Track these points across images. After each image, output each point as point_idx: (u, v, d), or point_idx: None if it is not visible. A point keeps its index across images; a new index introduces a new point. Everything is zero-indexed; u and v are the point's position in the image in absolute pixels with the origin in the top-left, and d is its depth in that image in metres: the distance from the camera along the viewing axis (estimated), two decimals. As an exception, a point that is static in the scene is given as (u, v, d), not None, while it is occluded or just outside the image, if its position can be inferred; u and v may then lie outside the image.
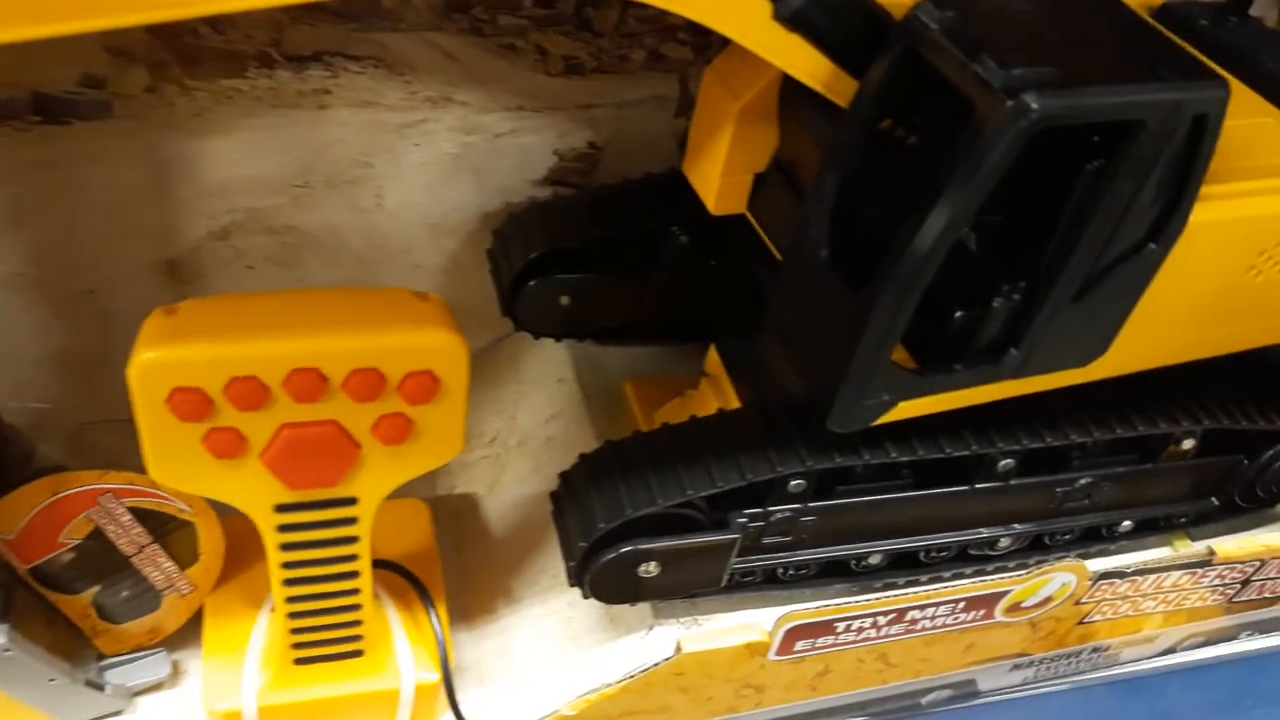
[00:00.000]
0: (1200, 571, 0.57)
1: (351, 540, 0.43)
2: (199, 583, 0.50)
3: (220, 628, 0.50)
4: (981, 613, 0.53)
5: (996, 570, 0.53)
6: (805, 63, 0.36)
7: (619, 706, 0.49)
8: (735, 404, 0.51)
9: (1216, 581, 0.58)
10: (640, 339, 0.60)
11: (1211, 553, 0.56)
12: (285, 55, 0.49)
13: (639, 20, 0.53)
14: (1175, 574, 0.57)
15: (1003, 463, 0.48)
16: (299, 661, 0.47)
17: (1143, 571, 0.55)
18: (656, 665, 0.48)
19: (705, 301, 0.54)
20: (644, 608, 0.50)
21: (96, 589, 0.48)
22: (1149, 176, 0.35)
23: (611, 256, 0.53)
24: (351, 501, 0.41)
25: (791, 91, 0.40)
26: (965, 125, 0.32)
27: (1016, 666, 0.61)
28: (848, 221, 0.38)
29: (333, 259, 0.57)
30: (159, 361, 0.35)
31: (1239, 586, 0.60)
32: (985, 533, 0.52)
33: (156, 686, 0.51)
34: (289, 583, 0.44)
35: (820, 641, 0.50)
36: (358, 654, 0.48)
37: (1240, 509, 0.58)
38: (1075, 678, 0.64)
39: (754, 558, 0.48)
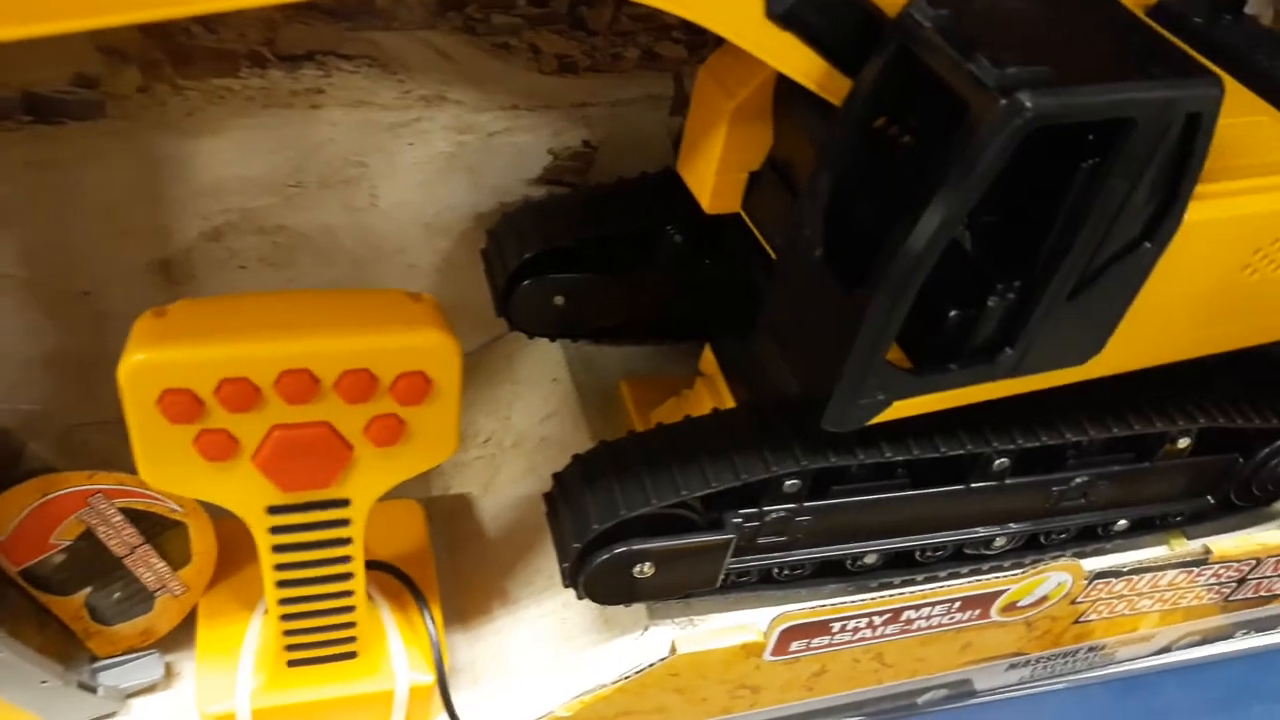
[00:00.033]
0: (1196, 570, 0.57)
1: (344, 542, 0.43)
2: (192, 584, 0.50)
3: (214, 629, 0.50)
4: (977, 612, 0.53)
5: (992, 570, 0.53)
6: (798, 61, 0.35)
7: (614, 707, 0.49)
8: (730, 404, 0.51)
9: (1212, 580, 0.58)
10: (635, 338, 0.60)
11: (1207, 551, 0.56)
12: (278, 54, 0.49)
13: (632, 18, 0.52)
14: (1171, 573, 0.56)
15: (998, 462, 0.48)
16: (293, 663, 0.47)
17: (1139, 570, 0.55)
18: (651, 666, 0.48)
19: (700, 301, 0.54)
20: (639, 608, 0.50)
21: (88, 590, 0.48)
22: (1143, 175, 0.35)
23: (606, 256, 0.53)
24: (344, 503, 0.41)
25: (786, 90, 0.40)
26: (959, 124, 0.32)
27: (1013, 666, 0.61)
28: (842, 221, 0.38)
29: (327, 259, 0.57)
30: (149, 363, 0.35)
31: (1235, 585, 0.60)
32: (981, 532, 0.52)
33: (149, 688, 0.50)
34: (282, 584, 0.44)
35: (815, 642, 0.50)
36: (352, 655, 0.48)
37: (1236, 507, 0.58)
38: (1071, 677, 0.64)
39: (749, 558, 0.48)
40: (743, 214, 0.46)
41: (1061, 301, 0.38)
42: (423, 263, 0.59)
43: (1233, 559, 0.57)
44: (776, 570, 0.50)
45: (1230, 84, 0.41)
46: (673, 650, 0.47)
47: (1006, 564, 0.53)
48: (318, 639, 0.47)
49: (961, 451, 0.46)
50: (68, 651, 0.48)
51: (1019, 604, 0.54)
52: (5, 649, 0.43)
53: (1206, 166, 0.36)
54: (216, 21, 0.47)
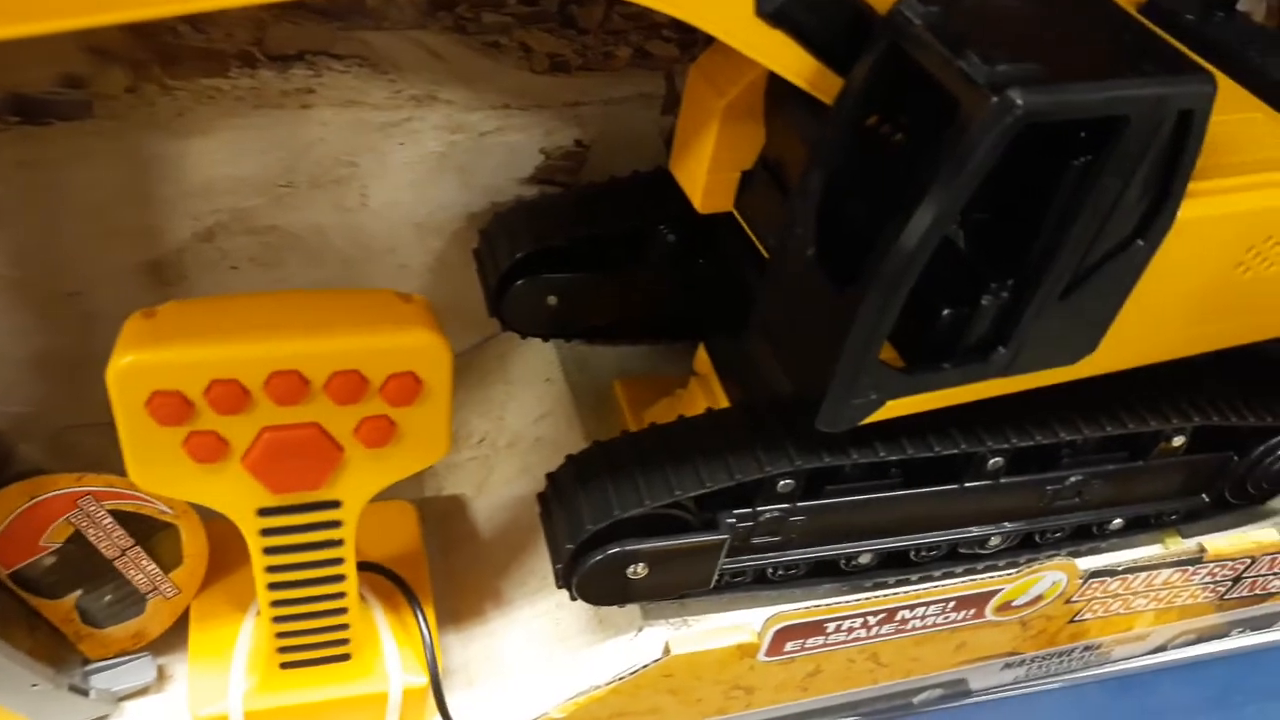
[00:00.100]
0: (1191, 569, 0.57)
1: (336, 544, 0.43)
2: (183, 586, 0.50)
3: (206, 631, 0.49)
4: (972, 612, 0.53)
5: (987, 569, 0.53)
6: (789, 60, 0.35)
7: (608, 708, 0.49)
8: (724, 403, 0.51)
9: (1207, 579, 0.58)
10: (629, 338, 0.60)
11: (1202, 550, 0.56)
12: (268, 54, 0.49)
13: (624, 17, 0.52)
14: (1166, 571, 0.56)
15: (992, 461, 0.48)
16: (285, 665, 0.47)
17: (1133, 569, 0.55)
18: (646, 667, 0.47)
19: (693, 300, 0.54)
20: (633, 609, 0.50)
21: (79, 593, 0.48)
22: (1136, 173, 0.35)
23: (599, 255, 0.52)
24: (335, 505, 0.41)
25: (777, 89, 0.40)
26: (951, 122, 0.32)
27: (1008, 665, 0.60)
28: (834, 219, 0.38)
29: (317, 259, 0.56)
30: (138, 365, 0.35)
31: (1230, 583, 0.59)
32: (975, 531, 0.51)
33: (142, 691, 0.50)
34: (274, 586, 0.44)
35: (810, 642, 0.50)
36: (344, 658, 0.48)
37: (1231, 506, 0.58)
38: (1067, 676, 0.64)
39: (743, 558, 0.48)
40: (735, 213, 0.45)
41: (1054, 300, 0.38)
42: (414, 263, 0.59)
43: (1227, 557, 0.57)
44: (771, 570, 0.50)
45: (1223, 81, 0.41)
46: (667, 651, 0.47)
47: (1001, 563, 0.53)
48: (310, 641, 0.46)
49: (955, 451, 0.46)
50: (59, 654, 0.48)
51: (1014, 603, 0.53)
52: (-5, 652, 0.43)
53: (1199, 164, 0.36)
54: (204, 21, 0.47)
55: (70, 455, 0.52)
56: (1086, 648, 0.62)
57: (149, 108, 0.48)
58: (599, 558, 0.44)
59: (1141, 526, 0.57)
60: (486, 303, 0.53)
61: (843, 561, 0.50)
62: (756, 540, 0.47)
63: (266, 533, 0.41)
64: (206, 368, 0.35)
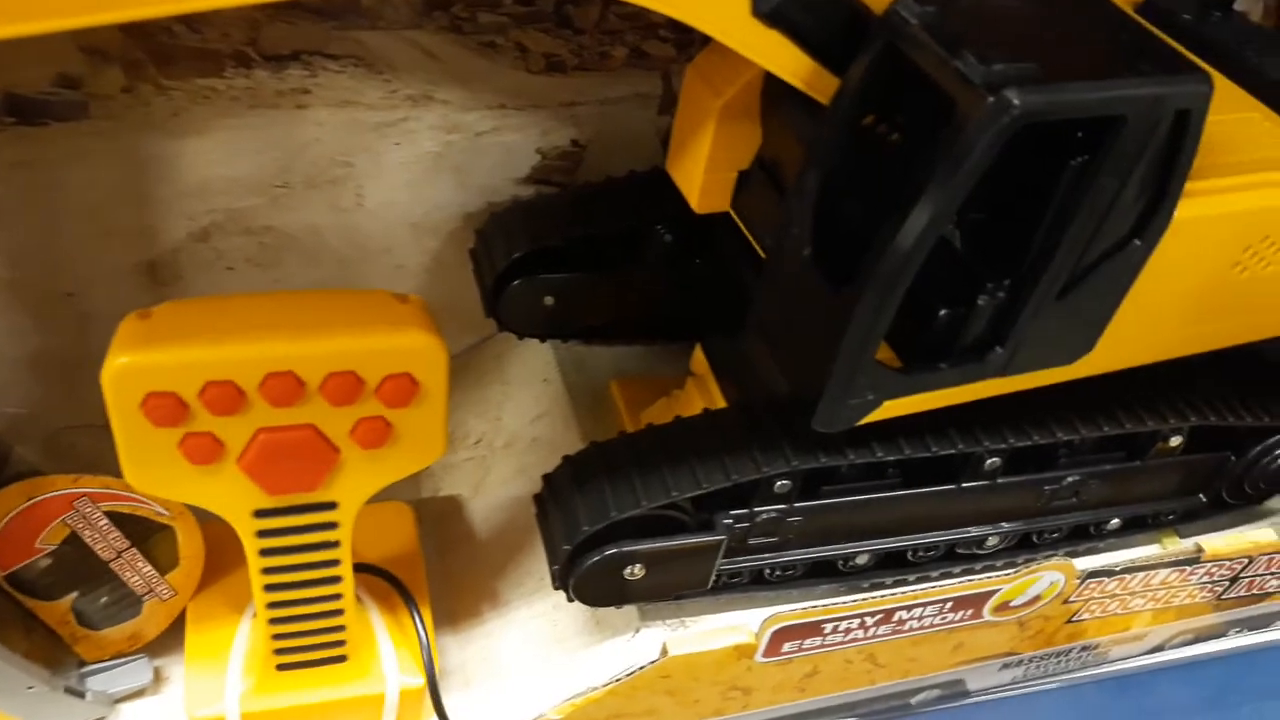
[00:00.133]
0: (1188, 569, 0.57)
1: (332, 545, 0.43)
2: (180, 588, 0.50)
3: (202, 633, 0.49)
4: (969, 612, 0.53)
5: (984, 569, 0.53)
6: (785, 60, 0.35)
7: (605, 710, 0.49)
8: (721, 404, 0.51)
9: (1205, 579, 0.58)
10: (625, 338, 0.60)
11: (1199, 550, 0.56)
12: (263, 54, 0.48)
13: (620, 17, 0.52)
14: (1163, 571, 0.56)
15: (989, 461, 0.48)
16: (282, 667, 0.47)
17: (1131, 569, 0.55)
18: (643, 668, 0.47)
19: (690, 300, 0.54)
20: (630, 610, 0.50)
21: (75, 595, 0.47)
22: (1132, 172, 0.34)
23: (595, 255, 0.52)
24: (331, 506, 0.41)
25: (773, 88, 0.40)
26: (947, 122, 0.32)
27: (1005, 666, 0.60)
28: (831, 219, 0.37)
29: (313, 260, 0.56)
30: (132, 366, 0.34)
31: (1227, 583, 0.59)
32: (973, 532, 0.51)
33: (138, 693, 0.50)
34: (270, 588, 0.43)
35: (807, 643, 0.50)
36: (341, 659, 0.48)
37: (1228, 506, 0.58)
38: (1064, 676, 0.64)
39: (740, 559, 0.48)
40: (732, 213, 0.45)
41: (1051, 300, 0.38)
42: (410, 263, 0.59)
43: (1225, 557, 0.57)
44: (768, 571, 0.49)
45: (1219, 80, 0.41)
46: (664, 652, 0.47)
47: (999, 564, 0.53)
48: (307, 642, 0.46)
49: (953, 451, 0.46)
50: (55, 657, 0.48)
51: (1011, 604, 0.53)
52: (-10, 655, 0.42)
53: (1196, 164, 0.36)
54: (199, 21, 0.46)
55: (66, 457, 0.52)
56: (1084, 648, 0.62)
57: (144, 108, 0.48)
58: (596, 559, 0.44)
59: (1139, 527, 0.56)
60: (483, 303, 0.53)
61: (840, 562, 0.50)
62: (753, 541, 0.47)
63: (262, 534, 0.41)
64: (201, 369, 0.35)
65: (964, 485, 0.49)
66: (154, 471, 0.38)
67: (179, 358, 0.35)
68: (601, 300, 0.54)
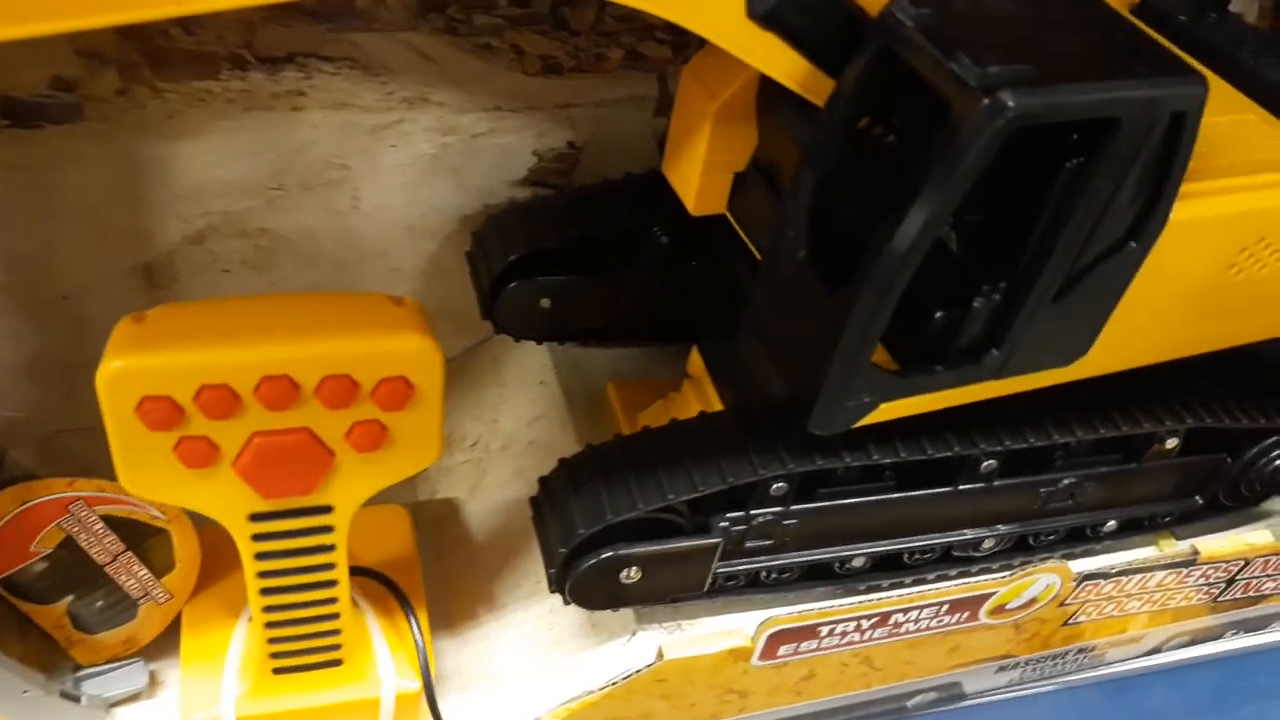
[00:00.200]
0: (1185, 571, 0.57)
1: (328, 549, 0.42)
2: (175, 591, 0.49)
3: (198, 637, 0.49)
4: (965, 615, 0.53)
5: (980, 572, 0.53)
6: (781, 62, 0.35)
7: (601, 714, 0.49)
8: (718, 406, 0.51)
9: (1201, 581, 0.58)
10: (622, 340, 0.60)
11: (1195, 552, 0.56)
12: (258, 56, 0.48)
13: (616, 19, 0.52)
14: (1160, 574, 0.56)
15: (986, 463, 0.48)
16: (277, 671, 0.47)
17: (1127, 572, 0.55)
18: (639, 672, 0.47)
19: (686, 302, 0.54)
20: (627, 613, 0.50)
21: (70, 599, 0.47)
22: (1128, 174, 0.34)
23: (592, 258, 0.52)
24: (326, 510, 0.41)
25: (769, 91, 0.40)
26: (942, 124, 0.32)
27: (1002, 668, 0.60)
28: (826, 221, 0.37)
29: (309, 262, 0.56)
30: (127, 370, 0.34)
31: (1224, 585, 0.59)
32: (969, 534, 0.51)
33: (134, 697, 0.50)
34: (265, 592, 0.43)
35: (804, 646, 0.50)
36: (337, 663, 0.48)
37: (1224, 508, 0.58)
38: (1061, 679, 0.64)
39: (736, 561, 0.48)
40: (728, 215, 0.45)
41: (1047, 302, 0.38)
42: (406, 266, 0.59)
43: (1221, 560, 0.57)
44: (764, 574, 0.49)
45: (1215, 82, 0.41)
46: (660, 656, 0.47)
47: (995, 566, 0.53)
48: (302, 646, 0.46)
49: (949, 453, 0.46)
50: (50, 660, 0.48)
51: (1007, 606, 0.53)
52: (-15, 659, 0.42)
53: (1191, 165, 0.36)
54: (194, 24, 0.46)
55: (62, 460, 0.52)
56: (1080, 650, 0.62)
57: (140, 110, 0.48)
58: (592, 562, 0.44)
59: (1135, 529, 0.56)
60: (479, 305, 0.53)
61: (836, 565, 0.50)
62: (750, 544, 0.47)
63: (258, 538, 0.41)
64: (196, 372, 0.35)
65: (960, 488, 0.49)
66: (149, 475, 0.38)
67: (174, 361, 0.35)
68: (598, 302, 0.54)
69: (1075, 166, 0.34)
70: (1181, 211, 0.37)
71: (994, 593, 0.52)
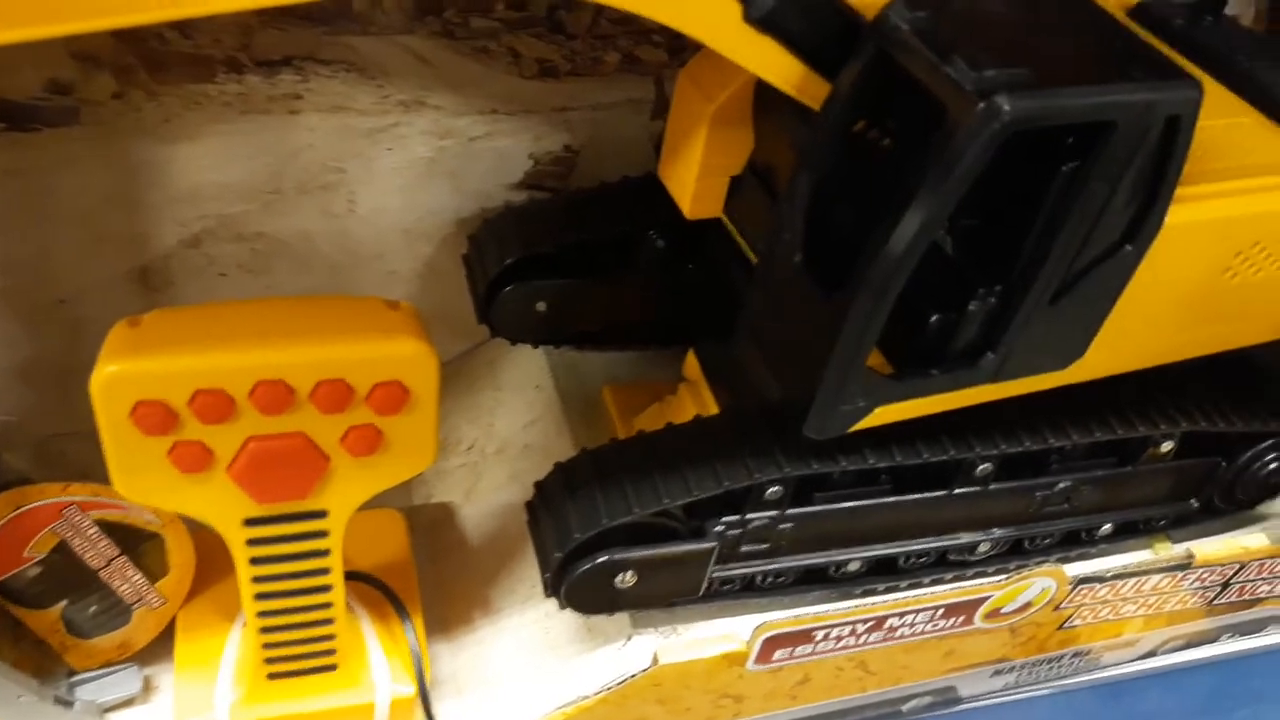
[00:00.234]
0: (1180, 574, 0.57)
1: (323, 554, 0.42)
2: (170, 596, 0.49)
3: (192, 642, 0.49)
4: (961, 619, 0.53)
5: (976, 575, 0.53)
6: (777, 66, 0.35)
7: (596, 718, 0.49)
8: (714, 409, 0.51)
9: (1196, 584, 0.58)
10: (618, 344, 0.60)
11: (1191, 556, 0.56)
12: (255, 60, 0.48)
13: (612, 22, 0.52)
14: (1155, 577, 0.56)
15: (981, 467, 0.48)
16: (272, 676, 0.47)
17: (1122, 575, 0.55)
18: (634, 676, 0.47)
19: (683, 306, 0.54)
20: (622, 617, 0.50)
21: (64, 603, 0.47)
22: (1123, 178, 0.35)
23: (588, 261, 0.52)
24: (321, 514, 0.41)
25: (765, 94, 0.40)
26: (938, 127, 0.32)
27: (997, 672, 0.60)
28: (822, 225, 0.37)
29: (305, 266, 0.56)
30: (121, 374, 0.34)
31: (1219, 589, 0.59)
32: (964, 538, 0.51)
33: (127, 702, 0.50)
34: (260, 597, 0.43)
35: (799, 650, 0.50)
36: (332, 668, 0.47)
37: (1220, 511, 0.58)
38: (1057, 682, 0.64)
39: (732, 566, 0.48)
40: (724, 218, 0.45)
41: (1043, 305, 0.38)
42: (403, 269, 0.59)
43: (1216, 563, 0.57)
44: (760, 578, 0.49)
45: (1211, 86, 0.41)
46: (655, 661, 0.47)
47: (990, 570, 0.53)
48: (297, 651, 0.46)
49: (944, 457, 0.46)
50: (44, 665, 0.48)
51: (1003, 610, 0.53)
52: (-22, 664, 0.42)
53: (1187, 169, 0.36)
54: (191, 27, 0.46)
55: (56, 464, 0.52)
56: (1076, 654, 0.62)
57: (136, 114, 0.48)
58: (587, 566, 0.44)
59: (1130, 532, 0.57)
60: (475, 309, 0.53)
61: (831, 569, 0.50)
62: (745, 548, 0.47)
63: (252, 543, 0.41)
64: (191, 377, 0.35)
65: (956, 491, 0.49)
66: (143, 480, 0.37)
67: (168, 366, 0.35)
68: (594, 306, 0.54)
69: (1071, 170, 0.34)
70: (1177, 215, 0.37)
71: (989, 597, 0.52)
